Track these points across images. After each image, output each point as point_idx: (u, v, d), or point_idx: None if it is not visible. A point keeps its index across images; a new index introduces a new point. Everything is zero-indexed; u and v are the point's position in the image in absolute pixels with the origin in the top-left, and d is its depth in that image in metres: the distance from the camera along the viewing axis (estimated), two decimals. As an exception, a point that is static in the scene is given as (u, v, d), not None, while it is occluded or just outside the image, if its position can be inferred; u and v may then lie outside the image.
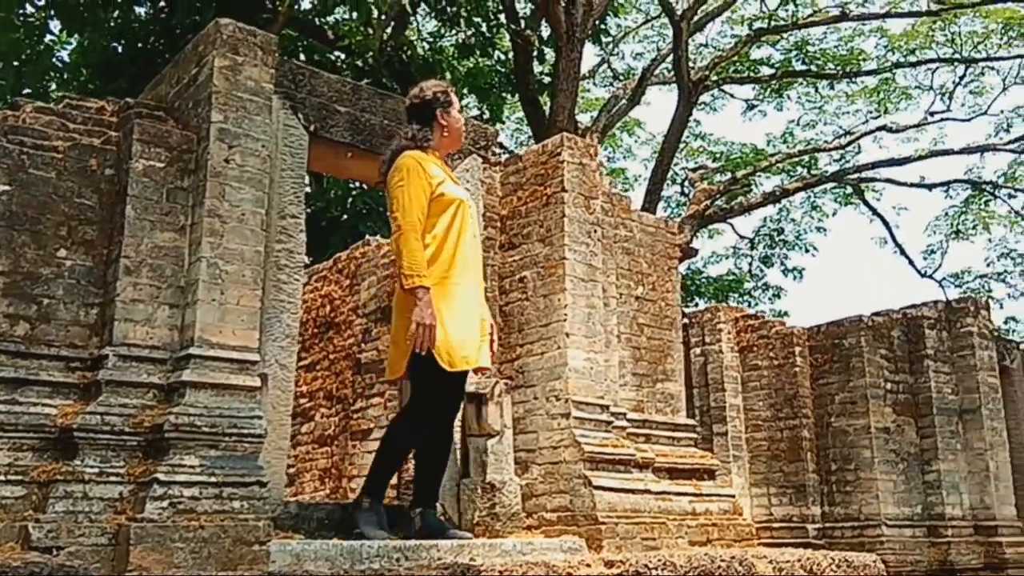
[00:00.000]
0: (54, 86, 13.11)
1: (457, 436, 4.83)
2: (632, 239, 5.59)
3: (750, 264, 20.18)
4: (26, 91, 12.34)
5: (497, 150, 5.54)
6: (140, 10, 12.69)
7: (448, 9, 13.70)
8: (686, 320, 7.42)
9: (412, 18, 13.96)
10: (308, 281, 7.45)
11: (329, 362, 7.06)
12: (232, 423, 3.63)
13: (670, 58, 15.99)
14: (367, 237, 7.09)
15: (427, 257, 3.98)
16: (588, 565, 4.21)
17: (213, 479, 3.50)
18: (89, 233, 3.81)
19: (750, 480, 7.03)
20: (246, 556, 3.43)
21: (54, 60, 12.85)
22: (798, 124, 19.58)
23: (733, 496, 5.56)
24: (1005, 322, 20.44)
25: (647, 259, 5.64)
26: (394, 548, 3.88)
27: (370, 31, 12.66)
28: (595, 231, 5.10)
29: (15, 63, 11.92)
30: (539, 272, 5.03)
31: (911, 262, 19.17)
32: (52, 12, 11.67)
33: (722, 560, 4.09)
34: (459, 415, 4.68)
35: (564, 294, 4.90)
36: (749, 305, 19.69)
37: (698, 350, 7.23)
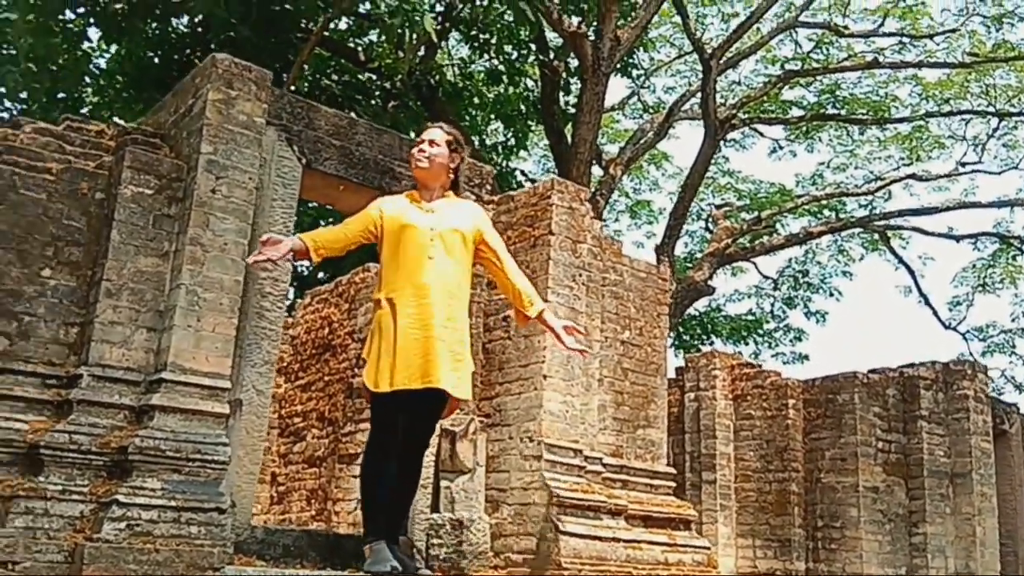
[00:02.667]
0: (89, 92, 13.43)
1: (430, 471, 4.88)
2: (621, 283, 5.62)
3: (772, 305, 20.03)
4: (60, 95, 12.65)
5: (490, 188, 5.60)
6: (178, 22, 12.97)
7: (480, 36, 13.86)
8: (681, 364, 7.42)
9: (443, 44, 14.13)
10: (309, 302, 7.57)
11: (324, 383, 7.14)
12: (197, 448, 3.71)
13: (699, 94, 16.03)
14: (368, 264, 7.18)
15: (378, 282, 4.07)
16: (545, 611, 4.24)
17: (173, 503, 3.58)
18: (75, 254, 3.92)
19: (736, 530, 6.98)
20: (199, 581, 3.49)
21: (91, 67, 13.16)
22: (828, 167, 19.46)
23: (708, 548, 5.54)
24: (1030, 378, 20.07)
25: (636, 304, 5.66)
26: (351, 582, 3.92)
27: (400, 55, 12.84)
28: (580, 275, 5.14)
29: (52, 68, 12.22)
30: (518, 324, 5.07)
31: (935, 313, 18.90)
32: (91, 20, 11.96)
33: (677, 616, 4.09)
34: (432, 451, 4.72)
35: (545, 336, 4.94)
36: (768, 347, 19.54)
37: (692, 395, 7.22)
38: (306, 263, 4.40)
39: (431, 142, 4.17)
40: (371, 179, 4.93)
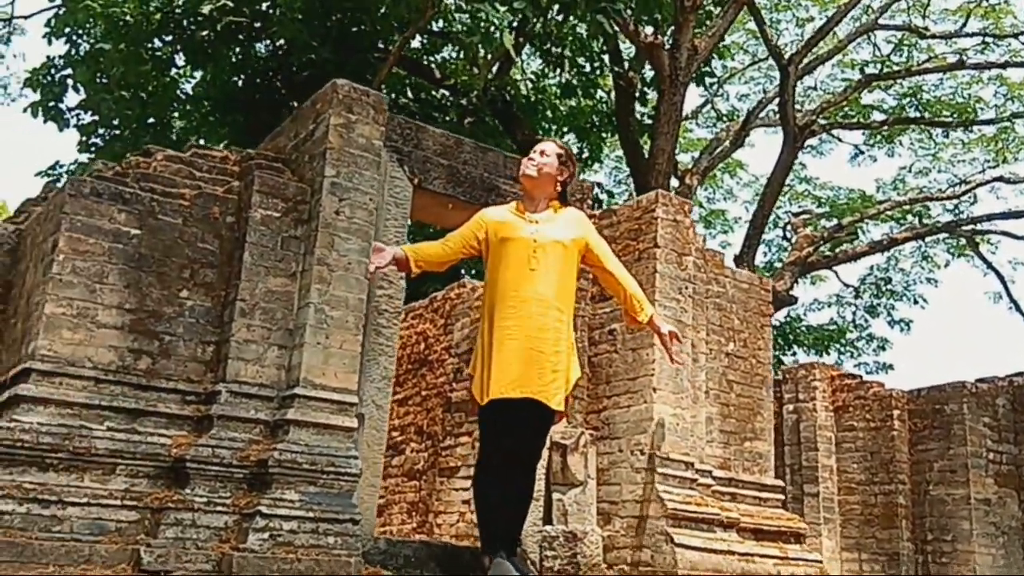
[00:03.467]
0: (176, 115, 13.92)
1: (542, 485, 4.93)
2: (725, 295, 5.61)
3: (854, 314, 19.61)
4: (150, 120, 13.15)
5: (592, 201, 5.65)
6: (260, 46, 13.38)
7: (553, 50, 13.96)
8: (779, 376, 7.34)
9: (518, 59, 14.27)
10: (404, 318, 7.70)
11: (421, 398, 7.26)
12: (330, 461, 3.83)
13: (775, 101, 15.85)
14: (464, 279, 7.29)
15: (484, 294, 4.17)
16: (666, 623, 4.24)
17: (311, 514, 3.70)
18: (209, 276, 4.10)
19: (841, 544, 6.86)
20: (336, 591, 3.60)
21: (178, 92, 13.66)
22: (910, 171, 19.02)
23: (821, 562, 5.47)
24: None
25: (739, 315, 5.64)
26: (476, 592, 3.99)
27: (475, 71, 13.01)
28: (686, 287, 5.15)
29: (142, 95, 12.72)
30: (628, 326, 5.10)
31: (1027, 319, 18.31)
32: (178, 47, 12.42)
33: (803, 630, 4.05)
34: (543, 464, 4.78)
35: (652, 349, 4.96)
36: (851, 356, 19.13)
37: (791, 407, 7.13)
38: (403, 274, 4.50)
39: (542, 152, 4.26)
40: (477, 196, 5.03)
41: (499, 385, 4.01)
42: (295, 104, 12.97)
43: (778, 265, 17.74)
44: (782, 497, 5.60)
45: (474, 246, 4.26)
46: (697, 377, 5.27)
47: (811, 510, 6.86)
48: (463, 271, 13.04)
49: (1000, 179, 17.94)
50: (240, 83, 13.17)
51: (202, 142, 14.61)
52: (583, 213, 4.68)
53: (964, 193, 18.02)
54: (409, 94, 14.29)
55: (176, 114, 13.94)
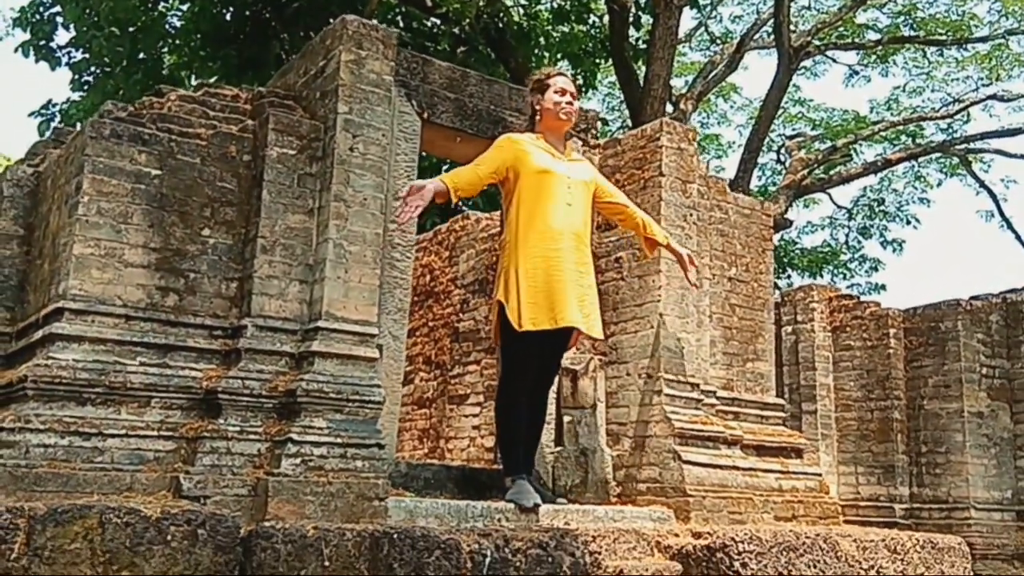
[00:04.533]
0: (167, 51, 13.75)
1: (553, 408, 5.13)
2: (727, 221, 5.73)
3: (847, 235, 19.79)
4: (141, 56, 13.01)
5: (597, 131, 5.73)
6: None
7: (545, -27, 13.78)
8: (778, 298, 7.51)
9: (510, -15, 14.06)
10: (411, 250, 7.81)
11: (429, 329, 7.43)
12: (355, 390, 3.99)
13: (770, 23, 15.71)
14: (466, 211, 7.38)
15: (510, 221, 4.32)
16: (676, 535, 4.48)
17: (339, 440, 3.87)
18: (229, 214, 4.19)
19: (838, 459, 7.13)
20: (367, 510, 3.80)
21: (167, 27, 13.48)
22: (904, 91, 18.97)
23: (819, 475, 5.72)
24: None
25: (741, 241, 5.78)
26: (496, 510, 4.20)
27: (467, -2, 12.83)
28: (691, 215, 5.27)
29: (130, 29, 12.56)
30: (634, 253, 5.23)
31: (1018, 236, 18.50)
32: (165, -22, 12.23)
33: (807, 537, 4.29)
34: (554, 388, 4.98)
35: (659, 275, 5.10)
36: (844, 277, 19.36)
37: (790, 328, 7.33)
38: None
39: (572, 95, 4.41)
40: (484, 130, 5.10)
41: (543, 315, 4.19)
42: (285, 36, 12.84)
43: (773, 189, 17.81)
44: (783, 415, 5.82)
45: (505, 172, 4.39)
46: (701, 302, 5.42)
47: (809, 427, 7.11)
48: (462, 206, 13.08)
49: (994, 97, 17.91)
50: (229, 16, 13.00)
51: (194, 77, 14.48)
52: (576, 151, 4.85)
53: (958, 112, 18.01)
54: (400, 23, 14.12)
55: (166, 49, 13.78)
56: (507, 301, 4.27)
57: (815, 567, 4.22)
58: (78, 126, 12.98)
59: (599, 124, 5.62)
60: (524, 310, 4.18)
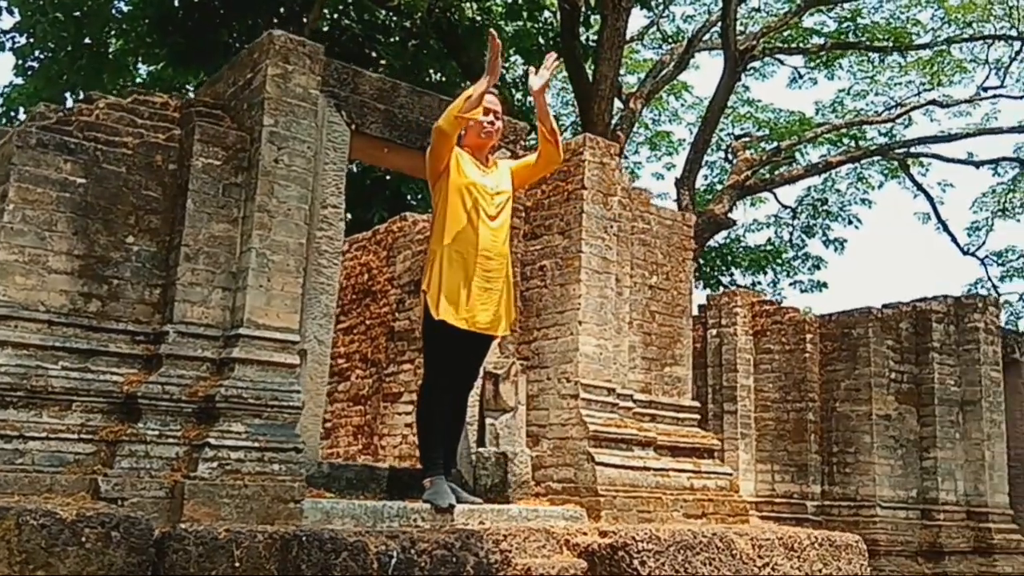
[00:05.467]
0: (113, 36, 13.64)
1: (475, 411, 5.32)
2: (649, 231, 5.96)
3: (791, 234, 20.25)
4: (87, 41, 12.89)
5: (524, 143, 5.91)
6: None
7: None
8: (704, 303, 7.79)
9: (461, -21, 14.15)
10: (348, 249, 7.95)
11: (365, 327, 7.58)
12: (274, 396, 4.14)
13: (719, 25, 16.00)
14: (405, 213, 7.54)
15: (436, 221, 4.53)
16: (585, 533, 4.71)
17: (256, 444, 4.03)
18: (154, 222, 4.31)
19: (756, 457, 7.44)
20: (283, 512, 3.97)
21: (113, 11, 13.35)
22: (848, 93, 19.44)
23: (730, 474, 5.99)
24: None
25: (663, 250, 6.01)
26: (412, 510, 4.39)
27: (419, -9, 12.91)
28: (611, 226, 5.48)
29: (76, 14, 12.45)
30: (557, 262, 5.44)
31: (954, 239, 19.12)
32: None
33: (704, 536, 4.54)
34: (477, 391, 5.18)
35: (579, 285, 5.32)
36: (788, 275, 19.83)
37: (714, 331, 7.61)
38: (342, 217, 4.84)
39: (496, 115, 4.62)
40: (414, 140, 5.26)
41: (455, 314, 4.40)
42: (235, 24, 12.81)
43: (719, 187, 18.17)
44: (697, 417, 6.08)
45: (445, 162, 4.56)
46: (621, 309, 5.65)
47: (730, 426, 7.41)
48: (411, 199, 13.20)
49: (934, 102, 18.44)
50: (176, 2, 12.92)
51: (141, 65, 14.37)
52: (505, 160, 5.03)
53: (899, 116, 18.51)
54: (353, 15, 14.15)
55: (112, 35, 13.66)
56: (428, 289, 4.47)
57: (710, 564, 4.48)
58: (20, 112, 12.75)
59: (526, 136, 5.80)
60: (442, 301, 4.39)
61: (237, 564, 3.43)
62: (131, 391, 4.00)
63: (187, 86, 13.84)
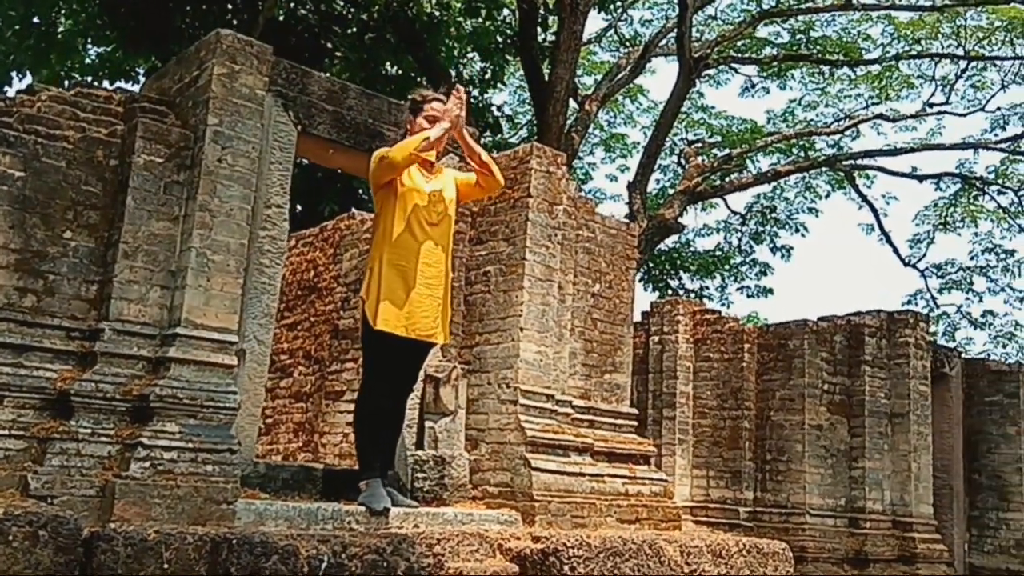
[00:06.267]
0: (63, 15, 13.33)
1: (415, 413, 5.36)
2: (593, 240, 6.05)
3: (740, 240, 20.57)
4: (34, 21, 12.60)
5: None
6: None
7: (456, -35, 13.89)
8: (648, 309, 7.91)
9: (420, -25, 14.11)
10: (294, 245, 7.92)
11: (310, 324, 7.56)
12: (210, 396, 4.14)
13: (676, 31, 16.18)
14: (353, 211, 7.53)
15: (378, 226, 4.57)
16: (518, 538, 4.78)
17: (190, 445, 4.02)
18: (93, 218, 4.27)
19: (692, 463, 7.60)
20: (215, 513, 3.97)
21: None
22: (799, 104, 19.82)
23: (666, 480, 6.12)
24: (983, 315, 20.94)
25: (606, 259, 6.11)
26: (346, 512, 4.42)
27: (377, -16, 12.84)
28: (556, 235, 5.56)
29: (24, -7, 12.16)
30: (501, 269, 5.50)
31: (896, 250, 19.61)
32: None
33: (633, 543, 4.65)
34: (417, 394, 5.22)
35: (522, 292, 5.38)
36: (735, 280, 20.16)
37: (656, 338, 7.74)
38: (286, 216, 4.87)
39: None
40: (362, 142, 5.27)
41: (396, 321, 4.44)
42: (188, 8, 12.62)
43: (671, 191, 18.40)
44: (635, 423, 6.19)
45: (389, 179, 4.59)
46: (563, 316, 5.73)
47: (668, 432, 7.55)
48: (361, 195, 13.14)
49: (881, 116, 18.89)
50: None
51: (91, 46, 14.08)
52: (450, 169, 5.08)
53: (847, 128, 18.93)
54: (309, 5, 14.03)
55: (62, 14, 13.37)
56: (367, 297, 4.50)
57: (639, 571, 4.58)
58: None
59: (476, 141, 5.83)
60: (380, 310, 4.42)
61: (166, 566, 3.43)
62: (64, 388, 3.97)
63: (137, 69, 13.60)
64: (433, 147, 4.57)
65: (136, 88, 9.83)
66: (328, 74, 12.13)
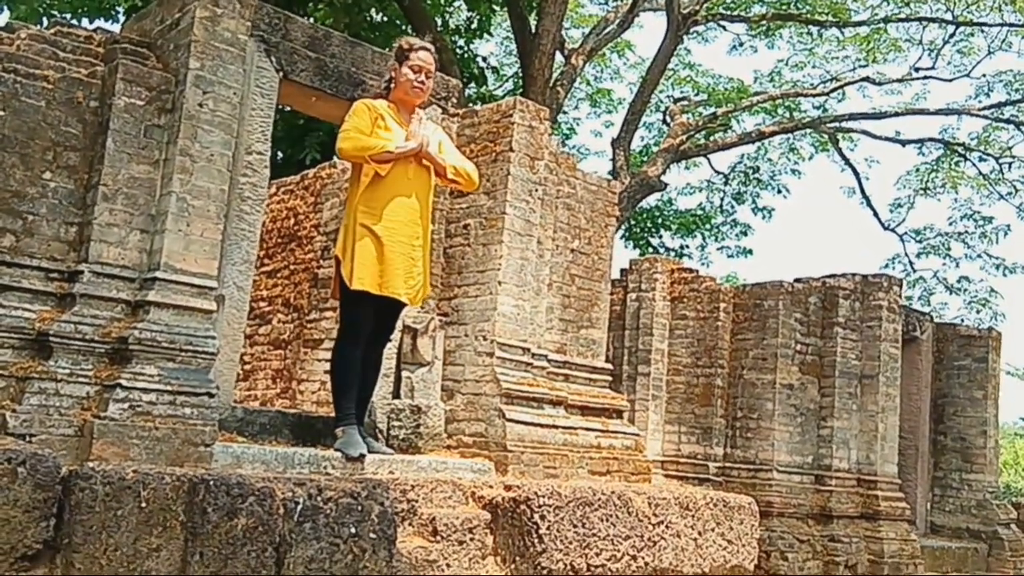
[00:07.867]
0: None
1: (392, 363, 5.43)
2: (574, 195, 6.08)
3: (722, 199, 20.63)
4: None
5: (459, 99, 5.94)
6: None
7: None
8: (627, 267, 7.98)
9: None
10: (275, 192, 7.90)
11: (289, 271, 7.58)
12: (189, 340, 4.18)
13: (665, -14, 16.02)
14: (334, 159, 7.50)
15: (353, 182, 4.57)
16: (491, 486, 4.89)
17: (169, 388, 4.07)
18: (72, 159, 4.25)
19: (665, 418, 7.74)
20: (192, 455, 4.03)
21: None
22: (787, 64, 19.75)
23: (637, 434, 6.24)
24: (958, 281, 21.20)
25: (586, 215, 6.15)
26: (323, 458, 4.50)
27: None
28: (536, 190, 5.59)
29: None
30: (481, 222, 5.54)
31: (876, 214, 19.74)
32: None
33: (603, 493, 4.77)
34: (395, 345, 5.28)
35: (501, 245, 5.43)
36: (716, 239, 20.26)
37: (634, 295, 7.82)
38: (267, 162, 4.87)
39: (428, 73, 4.63)
40: (344, 91, 5.25)
41: (371, 279, 4.47)
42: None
43: (655, 149, 18.38)
44: (610, 379, 6.29)
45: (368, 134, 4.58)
46: (542, 271, 5.79)
47: (643, 388, 7.67)
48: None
49: (868, 79, 18.87)
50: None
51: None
52: (438, 125, 5.06)
53: (833, 90, 18.91)
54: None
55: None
56: (343, 257, 4.52)
57: (607, 520, 4.71)
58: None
59: (459, 93, 5.83)
60: (356, 269, 4.45)
61: (144, 504, 3.50)
62: (43, 328, 3.99)
63: (117, 8, 13.35)
64: (387, 160, 4.49)
65: (116, 27, 9.67)
66: (312, 19, 11.97)
